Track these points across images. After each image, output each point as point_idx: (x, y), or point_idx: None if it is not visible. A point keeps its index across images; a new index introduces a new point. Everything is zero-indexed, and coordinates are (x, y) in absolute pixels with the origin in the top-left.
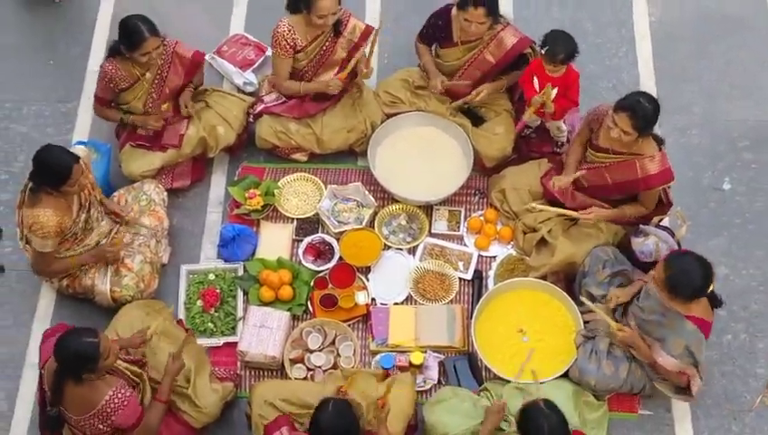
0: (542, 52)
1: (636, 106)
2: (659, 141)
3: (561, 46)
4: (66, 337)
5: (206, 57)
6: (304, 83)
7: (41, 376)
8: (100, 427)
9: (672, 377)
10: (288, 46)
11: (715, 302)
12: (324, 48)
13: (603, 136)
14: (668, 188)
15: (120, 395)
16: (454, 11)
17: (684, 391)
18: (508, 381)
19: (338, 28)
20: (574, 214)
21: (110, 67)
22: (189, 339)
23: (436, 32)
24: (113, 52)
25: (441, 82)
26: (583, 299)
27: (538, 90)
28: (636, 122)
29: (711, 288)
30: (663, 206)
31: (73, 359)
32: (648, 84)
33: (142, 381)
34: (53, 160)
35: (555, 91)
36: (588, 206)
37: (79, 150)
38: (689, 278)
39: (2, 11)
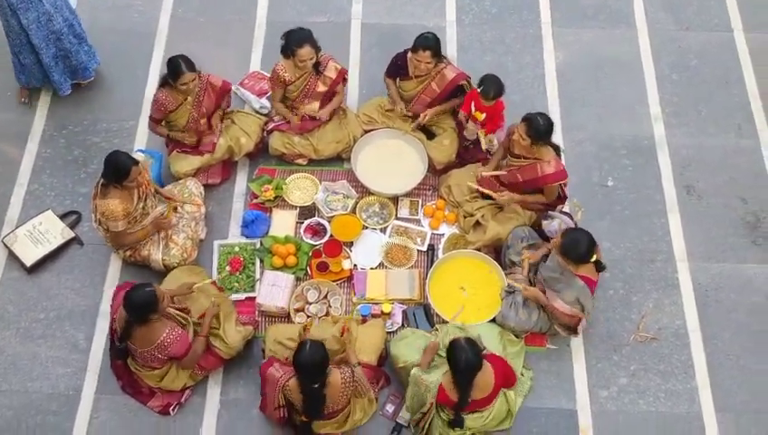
0: (479, 90)
1: (532, 120)
2: (557, 149)
3: (492, 88)
4: (131, 292)
5: (233, 87)
6: (283, 109)
7: (112, 320)
8: (158, 356)
9: (565, 319)
10: (279, 80)
11: (600, 267)
12: (308, 83)
13: (516, 146)
14: (564, 185)
15: (174, 333)
16: (409, 54)
17: (572, 330)
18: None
19: (318, 69)
20: (493, 194)
21: (161, 95)
22: (221, 295)
23: (397, 69)
24: (163, 82)
25: (401, 108)
26: (509, 281)
27: (473, 110)
28: (529, 131)
29: (596, 257)
30: (560, 199)
31: (141, 305)
32: (554, 109)
33: (188, 323)
34: (118, 163)
35: (484, 115)
36: (519, 203)
37: (139, 156)
38: (578, 247)
39: None
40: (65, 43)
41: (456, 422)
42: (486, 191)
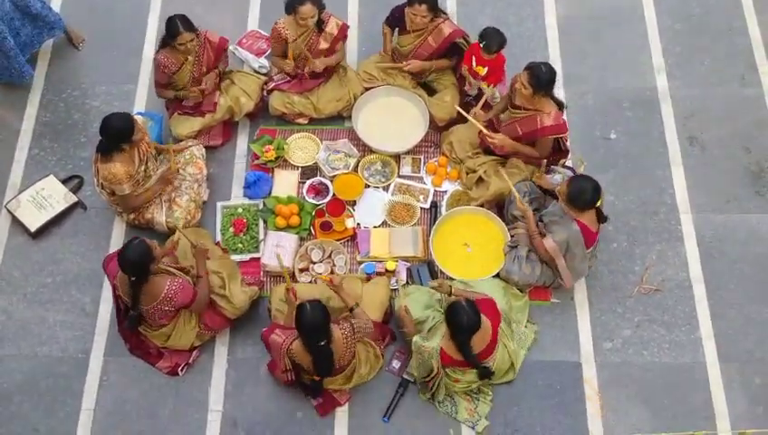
0: (481, 45)
1: (535, 68)
2: (561, 105)
3: (494, 41)
4: (123, 254)
5: (230, 47)
6: (287, 61)
7: (114, 287)
8: (166, 309)
9: (542, 252)
10: (279, 37)
11: (602, 217)
12: (311, 40)
13: (518, 96)
14: (565, 139)
15: (175, 283)
16: (406, 8)
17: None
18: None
19: (320, 26)
20: (485, 131)
21: (162, 57)
22: (225, 256)
23: (395, 21)
24: (163, 44)
25: (388, 63)
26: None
27: (474, 65)
28: (531, 79)
29: (599, 205)
30: (562, 152)
31: (137, 259)
32: (555, 61)
33: (191, 277)
34: (120, 123)
35: (486, 69)
36: (508, 150)
37: (138, 119)
38: (583, 195)
39: (76, 12)
40: (15, 23)
41: (485, 374)
42: (480, 126)
